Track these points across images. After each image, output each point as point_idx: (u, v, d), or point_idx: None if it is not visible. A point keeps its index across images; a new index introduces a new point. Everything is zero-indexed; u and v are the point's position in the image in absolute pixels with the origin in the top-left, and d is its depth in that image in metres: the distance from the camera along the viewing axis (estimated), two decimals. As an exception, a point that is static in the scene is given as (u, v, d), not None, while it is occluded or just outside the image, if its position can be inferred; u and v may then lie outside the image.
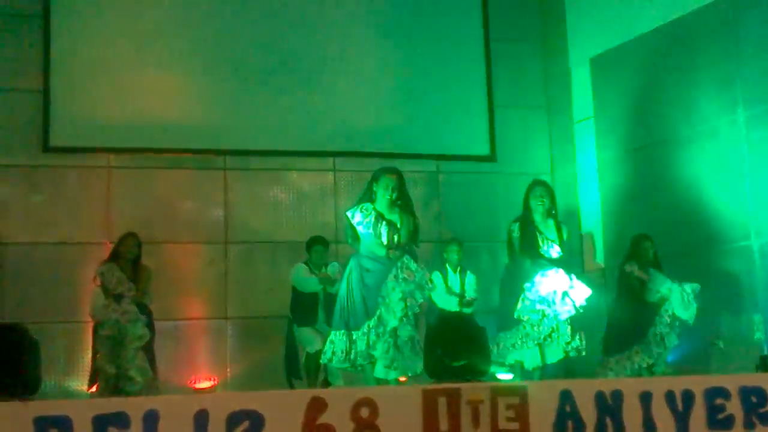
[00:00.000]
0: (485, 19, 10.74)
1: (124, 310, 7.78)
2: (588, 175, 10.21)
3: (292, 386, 8.28)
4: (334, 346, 6.96)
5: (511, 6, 10.88)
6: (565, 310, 7.68)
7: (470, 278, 8.99)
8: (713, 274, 8.46)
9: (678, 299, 8.03)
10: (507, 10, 10.84)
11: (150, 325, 7.94)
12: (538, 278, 7.72)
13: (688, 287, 8.05)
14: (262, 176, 9.87)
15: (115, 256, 8.12)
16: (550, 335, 7.68)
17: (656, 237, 8.45)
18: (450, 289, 8.83)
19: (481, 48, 10.68)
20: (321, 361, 7.42)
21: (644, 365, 8.10)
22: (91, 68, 9.46)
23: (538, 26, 10.95)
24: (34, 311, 8.86)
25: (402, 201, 7.12)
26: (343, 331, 6.95)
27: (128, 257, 8.08)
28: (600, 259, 9.87)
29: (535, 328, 7.67)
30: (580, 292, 7.74)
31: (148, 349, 7.93)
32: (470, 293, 8.91)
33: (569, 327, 7.71)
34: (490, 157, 10.55)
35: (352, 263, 7.13)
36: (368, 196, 7.13)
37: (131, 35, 9.62)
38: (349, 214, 7.14)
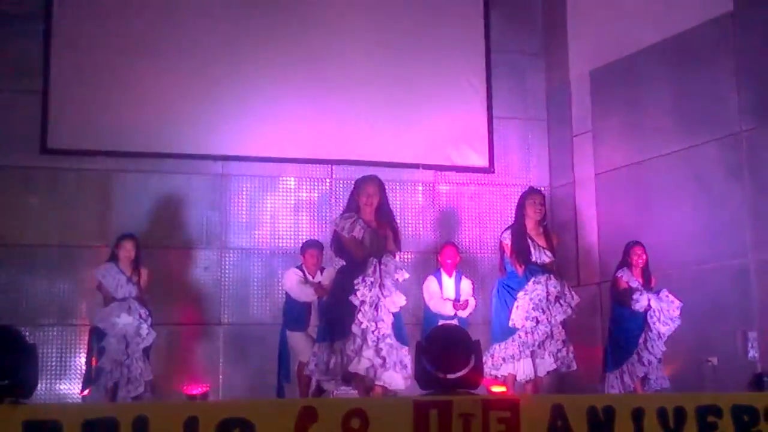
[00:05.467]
0: (486, 30, 10.74)
1: (136, 313, 7.81)
2: (586, 188, 10.21)
3: (281, 388, 8.28)
4: (317, 357, 6.93)
5: (512, 18, 10.89)
6: (559, 315, 7.73)
7: (465, 283, 8.97)
8: (708, 290, 8.47)
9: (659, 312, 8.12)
10: (508, 21, 10.85)
11: (151, 327, 7.97)
12: (530, 285, 7.76)
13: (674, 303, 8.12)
14: (260, 182, 9.85)
15: (113, 258, 8.11)
16: (543, 342, 7.71)
17: (652, 251, 8.45)
18: (444, 294, 8.80)
19: (481, 59, 10.68)
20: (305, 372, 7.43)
21: (640, 375, 8.10)
22: (91, 70, 9.45)
23: (539, 38, 10.97)
24: (28, 313, 8.89)
25: (383, 209, 7.12)
26: (326, 342, 6.92)
27: (127, 259, 8.07)
28: (596, 273, 9.85)
29: (530, 336, 7.70)
30: (572, 298, 7.82)
31: (146, 351, 7.97)
32: (465, 298, 8.91)
33: (561, 333, 7.76)
34: (488, 169, 10.55)
35: (338, 276, 7.12)
36: (352, 206, 7.12)
37: (131, 38, 9.61)
38: (335, 224, 7.13)
